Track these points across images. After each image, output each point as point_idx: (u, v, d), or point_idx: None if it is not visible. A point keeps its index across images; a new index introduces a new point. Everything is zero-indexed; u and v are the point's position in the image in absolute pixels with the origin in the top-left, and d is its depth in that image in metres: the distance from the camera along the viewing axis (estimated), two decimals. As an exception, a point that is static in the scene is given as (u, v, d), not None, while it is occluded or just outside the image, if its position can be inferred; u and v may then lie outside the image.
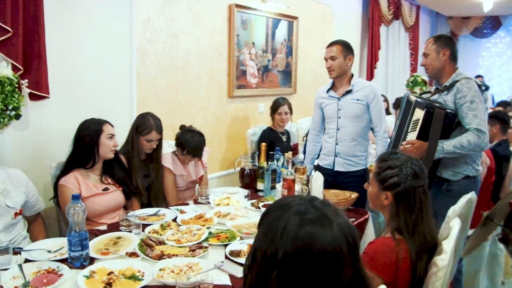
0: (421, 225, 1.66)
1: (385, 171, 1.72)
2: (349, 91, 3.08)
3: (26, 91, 1.71)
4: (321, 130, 3.37)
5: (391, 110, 5.81)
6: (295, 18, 4.94)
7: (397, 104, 5.24)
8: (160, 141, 2.91)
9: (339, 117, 3.12)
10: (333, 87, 3.18)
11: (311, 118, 3.53)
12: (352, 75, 3.14)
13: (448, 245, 1.53)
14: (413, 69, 7.37)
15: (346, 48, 3.07)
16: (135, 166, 2.78)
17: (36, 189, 2.44)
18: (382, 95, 6.03)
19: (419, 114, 2.56)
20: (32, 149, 2.75)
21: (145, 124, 2.81)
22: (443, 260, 1.48)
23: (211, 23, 3.95)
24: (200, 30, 3.85)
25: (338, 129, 3.13)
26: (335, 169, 3.15)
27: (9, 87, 1.54)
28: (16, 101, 1.58)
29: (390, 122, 4.97)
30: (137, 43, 3.31)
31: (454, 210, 1.87)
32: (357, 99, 3.05)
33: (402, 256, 1.55)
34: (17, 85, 1.58)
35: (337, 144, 3.14)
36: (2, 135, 2.52)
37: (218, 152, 4.24)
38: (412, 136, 2.59)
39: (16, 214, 2.25)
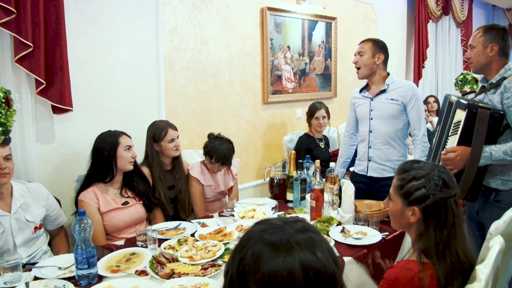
0: (454, 242, 1.43)
1: (409, 183, 1.50)
2: (383, 91, 2.87)
3: (17, 106, 1.66)
4: (355, 132, 3.18)
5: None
6: (333, 18, 4.73)
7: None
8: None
9: (371, 118, 2.91)
10: (367, 86, 3.00)
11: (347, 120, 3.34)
12: (388, 74, 2.92)
13: (483, 271, 1.29)
14: (466, 67, 6.87)
15: (376, 45, 2.88)
16: (157, 178, 2.72)
17: (57, 203, 2.43)
18: (432, 96, 5.71)
19: (460, 115, 2.26)
20: (59, 162, 2.76)
21: (158, 128, 2.78)
22: (476, 290, 1.26)
23: (242, 28, 3.85)
24: (231, 36, 3.76)
25: (371, 131, 2.92)
26: (368, 174, 2.94)
27: (-6, 102, 1.50)
28: (4, 116, 1.53)
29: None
30: (164, 52, 3.26)
31: (497, 226, 1.62)
32: (392, 99, 2.84)
33: (427, 284, 1.33)
34: (4, 100, 1.53)
35: (370, 147, 2.94)
36: (28, 148, 2.55)
37: (253, 160, 4.12)
38: (453, 140, 2.30)
39: (36, 228, 2.24)
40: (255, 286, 0.86)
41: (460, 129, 2.25)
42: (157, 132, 2.76)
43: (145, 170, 2.71)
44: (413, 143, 2.98)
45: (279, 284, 0.85)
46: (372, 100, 2.91)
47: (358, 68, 2.92)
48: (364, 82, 3.06)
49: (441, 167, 1.51)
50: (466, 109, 2.21)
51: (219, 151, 2.87)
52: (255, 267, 0.87)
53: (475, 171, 2.22)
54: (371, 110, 2.91)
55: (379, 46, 2.89)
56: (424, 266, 1.38)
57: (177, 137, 2.83)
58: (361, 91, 3.02)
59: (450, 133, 2.34)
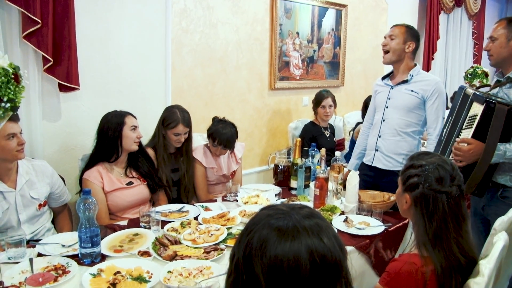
0: (448, 236, 1.41)
1: (408, 169, 1.51)
2: (405, 81, 2.74)
3: (25, 82, 1.65)
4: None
5: (449, 104, 5.38)
6: (344, 6, 4.67)
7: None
8: (189, 134, 2.82)
9: (387, 107, 2.79)
10: (391, 74, 2.87)
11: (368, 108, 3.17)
12: (415, 65, 2.78)
13: (486, 266, 1.29)
14: (476, 60, 6.79)
15: (410, 32, 2.73)
16: (161, 160, 2.72)
17: (62, 181, 2.44)
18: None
19: (477, 109, 2.19)
20: (64, 141, 2.76)
21: (172, 117, 2.74)
22: (479, 284, 1.25)
23: (252, 12, 3.81)
24: (240, 20, 3.72)
25: (383, 120, 2.80)
26: (373, 164, 2.84)
27: (3, 78, 1.49)
28: (12, 92, 1.53)
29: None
30: (172, 33, 3.24)
31: (502, 221, 1.61)
32: (412, 90, 2.70)
33: (428, 278, 1.33)
34: (13, 76, 1.53)
35: (379, 137, 2.82)
36: (33, 125, 2.55)
37: (257, 146, 4.11)
38: (466, 133, 2.23)
39: (40, 205, 2.25)
40: (262, 270, 0.87)
41: (475, 123, 2.17)
42: (167, 120, 2.74)
43: (150, 152, 2.71)
44: (426, 139, 2.87)
45: (285, 268, 0.85)
46: (392, 89, 2.79)
47: (386, 52, 2.77)
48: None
49: (446, 163, 1.48)
50: (484, 103, 2.13)
51: (222, 134, 2.87)
52: (262, 252, 0.87)
53: (486, 167, 2.17)
54: (389, 99, 2.79)
55: (412, 34, 2.74)
56: (426, 260, 1.37)
57: (185, 133, 2.77)
58: (384, 78, 2.90)
59: (464, 126, 2.26)
